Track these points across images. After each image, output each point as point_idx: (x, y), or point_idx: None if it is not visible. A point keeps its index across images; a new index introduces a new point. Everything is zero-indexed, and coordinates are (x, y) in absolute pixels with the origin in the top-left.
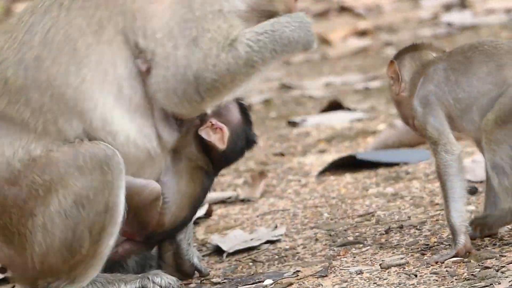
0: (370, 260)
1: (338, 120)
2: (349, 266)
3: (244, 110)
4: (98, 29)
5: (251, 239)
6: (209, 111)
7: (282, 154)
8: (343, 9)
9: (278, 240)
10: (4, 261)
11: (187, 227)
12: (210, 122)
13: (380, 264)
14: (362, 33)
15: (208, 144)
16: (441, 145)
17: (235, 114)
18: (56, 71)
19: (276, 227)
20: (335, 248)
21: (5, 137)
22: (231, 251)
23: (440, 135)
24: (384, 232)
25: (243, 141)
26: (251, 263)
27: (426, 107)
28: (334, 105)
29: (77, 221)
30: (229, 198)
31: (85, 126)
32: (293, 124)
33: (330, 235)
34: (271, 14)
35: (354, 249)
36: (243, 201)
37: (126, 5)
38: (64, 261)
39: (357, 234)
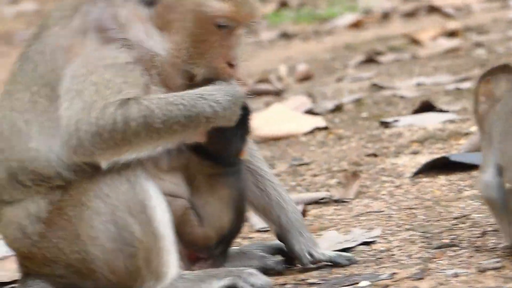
0: (466, 263)
1: (430, 121)
2: (445, 269)
3: None
4: (32, 105)
5: (346, 240)
6: (104, 165)
7: (375, 155)
8: (432, 9)
9: (374, 242)
10: None
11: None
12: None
13: (476, 267)
14: (451, 33)
15: (195, 146)
16: None
17: None
18: (17, 154)
19: (371, 228)
20: (431, 251)
21: (20, 210)
22: (326, 252)
23: None
24: (479, 235)
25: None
26: (346, 264)
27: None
28: (426, 106)
29: (112, 211)
30: (323, 198)
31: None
32: (385, 124)
33: (426, 237)
34: (191, 76)
35: (449, 251)
36: (337, 201)
37: (54, 72)
38: (131, 257)
39: (452, 236)
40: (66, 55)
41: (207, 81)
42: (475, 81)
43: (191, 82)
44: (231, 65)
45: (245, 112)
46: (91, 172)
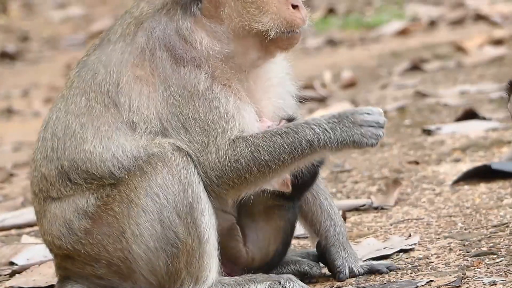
0: (504, 271)
1: (473, 129)
2: (482, 277)
3: None
4: (88, 109)
5: (385, 248)
6: (230, 202)
7: (416, 162)
8: (479, 17)
9: (412, 249)
10: None
11: (337, 233)
12: None
13: None
14: (498, 42)
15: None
16: None
17: None
18: (69, 154)
19: (409, 236)
20: (468, 259)
21: (68, 205)
22: (364, 259)
23: None
24: None
25: (309, 167)
26: (384, 271)
27: None
28: (469, 114)
29: (159, 210)
30: (363, 205)
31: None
32: (427, 132)
33: (464, 245)
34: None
35: (488, 259)
36: (376, 209)
37: (116, 84)
38: (173, 258)
39: (491, 244)
40: (133, 71)
41: (282, 35)
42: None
43: (268, 46)
44: (294, 6)
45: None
46: (143, 171)
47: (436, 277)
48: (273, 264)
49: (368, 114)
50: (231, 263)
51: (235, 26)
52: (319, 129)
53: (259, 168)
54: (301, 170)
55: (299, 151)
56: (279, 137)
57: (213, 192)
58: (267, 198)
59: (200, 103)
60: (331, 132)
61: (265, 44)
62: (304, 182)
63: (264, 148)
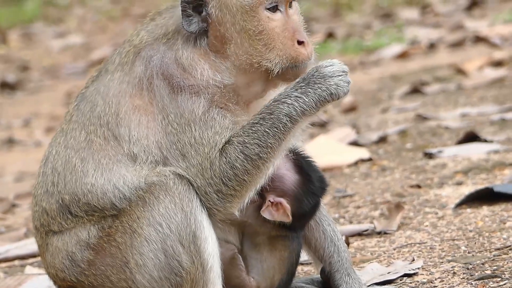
0: None
1: (474, 151)
2: None
3: (300, 162)
4: (88, 143)
5: (388, 272)
6: (237, 214)
7: (418, 186)
8: (479, 39)
9: (415, 274)
10: None
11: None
12: (269, 200)
13: None
14: (498, 63)
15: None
16: None
17: (290, 179)
18: (70, 188)
19: (413, 260)
20: (472, 282)
21: (70, 237)
22: (368, 284)
23: None
24: None
25: (310, 197)
26: None
27: None
28: (471, 137)
29: (162, 240)
30: (366, 230)
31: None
32: (429, 155)
33: (468, 268)
34: (269, 71)
35: (492, 282)
36: (379, 233)
37: (115, 115)
38: (177, 287)
39: (494, 267)
40: (131, 101)
41: (287, 69)
42: None
43: (272, 79)
44: (300, 42)
45: (323, 187)
46: (145, 201)
47: None
48: None
49: (331, 65)
50: None
51: (240, 62)
52: (290, 99)
53: (253, 164)
54: (303, 200)
55: (282, 128)
56: (258, 125)
57: (219, 212)
58: (271, 229)
59: (197, 127)
60: (303, 96)
61: (270, 78)
62: (304, 212)
63: (251, 142)
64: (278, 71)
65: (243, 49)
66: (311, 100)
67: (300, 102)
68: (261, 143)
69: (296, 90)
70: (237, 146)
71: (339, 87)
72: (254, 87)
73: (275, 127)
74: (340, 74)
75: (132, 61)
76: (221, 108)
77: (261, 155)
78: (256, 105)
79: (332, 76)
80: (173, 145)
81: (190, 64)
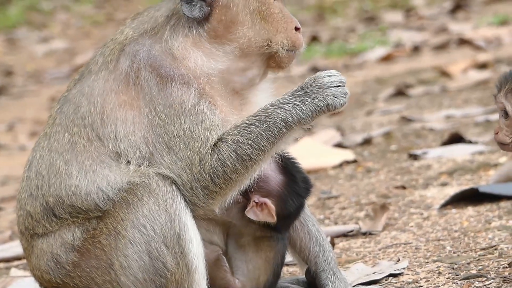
0: None
1: (459, 153)
2: None
3: (285, 163)
4: (71, 145)
5: (374, 273)
6: (217, 211)
7: (403, 187)
8: (463, 42)
9: (401, 274)
10: None
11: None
12: (253, 201)
13: None
14: (482, 66)
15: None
16: None
17: (274, 180)
18: (54, 190)
19: (398, 260)
20: (458, 282)
21: (54, 239)
22: (353, 284)
23: None
24: (507, 266)
25: (295, 198)
26: None
27: None
28: (455, 138)
29: (147, 241)
30: (351, 231)
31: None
32: (414, 156)
33: (453, 268)
34: (272, 54)
35: (477, 282)
36: (365, 234)
37: (101, 114)
38: None
39: (480, 267)
40: (117, 97)
41: (287, 53)
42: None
43: (269, 65)
44: (297, 29)
45: (307, 188)
46: (129, 202)
47: None
48: None
49: (330, 76)
50: None
51: (248, 44)
52: (287, 105)
53: (242, 164)
54: (287, 201)
55: (276, 133)
56: (254, 126)
57: (200, 209)
58: (255, 230)
59: (187, 119)
60: (301, 104)
61: (269, 62)
62: (289, 213)
63: (244, 142)
64: (282, 54)
65: (255, 31)
66: (308, 109)
67: (297, 109)
68: (254, 145)
69: (294, 97)
70: (230, 144)
71: (335, 98)
72: (250, 72)
73: (270, 130)
74: (338, 85)
75: (116, 58)
76: (209, 102)
77: (252, 156)
78: (243, 102)
79: (330, 87)
80: (159, 137)
81: (182, 54)
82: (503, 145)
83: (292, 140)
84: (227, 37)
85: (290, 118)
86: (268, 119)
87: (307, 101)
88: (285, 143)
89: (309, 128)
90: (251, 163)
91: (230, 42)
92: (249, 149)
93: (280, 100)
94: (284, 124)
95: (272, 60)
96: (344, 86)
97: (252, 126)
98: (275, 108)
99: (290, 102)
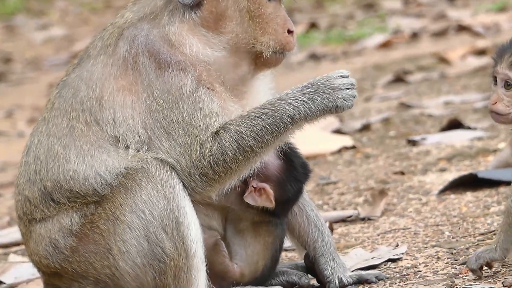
0: (492, 278)
1: (458, 138)
2: (471, 285)
3: (283, 148)
4: (70, 130)
5: (372, 258)
6: (214, 197)
7: (402, 173)
8: (462, 28)
9: (400, 259)
10: None
11: (326, 243)
12: (252, 186)
13: (502, 282)
14: (481, 52)
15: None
16: None
17: (273, 165)
18: (52, 175)
19: (397, 245)
20: (457, 267)
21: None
22: (352, 269)
23: None
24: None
25: (293, 183)
26: (373, 281)
27: None
28: (454, 124)
29: (145, 226)
30: (350, 216)
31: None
32: (412, 142)
33: (452, 253)
34: (257, 54)
35: None
36: (363, 219)
37: (100, 98)
38: (160, 273)
39: None
40: (116, 82)
41: (274, 55)
42: None
43: (257, 64)
44: (290, 32)
45: (306, 173)
46: (128, 187)
47: (424, 285)
48: (262, 280)
49: (342, 77)
50: (219, 279)
51: (237, 40)
52: (296, 102)
53: (244, 155)
54: (286, 186)
55: (281, 128)
56: (259, 119)
57: (197, 194)
58: (254, 215)
59: (185, 106)
60: (310, 102)
61: (256, 61)
62: (288, 198)
63: (247, 134)
64: (267, 55)
65: (242, 28)
66: (317, 108)
67: (306, 107)
68: (258, 137)
69: (304, 94)
70: (233, 134)
71: (345, 101)
72: (240, 69)
73: (275, 125)
74: (348, 87)
75: (115, 42)
76: (208, 88)
77: (254, 148)
78: (241, 90)
79: (341, 89)
80: (158, 123)
81: (178, 40)
82: (498, 116)
83: (295, 134)
84: (218, 29)
85: (297, 115)
86: (275, 114)
87: (316, 99)
88: (288, 137)
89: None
90: (253, 154)
91: (222, 35)
92: (252, 141)
93: (288, 95)
94: (290, 120)
95: (258, 60)
96: (354, 88)
97: (258, 118)
98: (283, 103)
99: (299, 99)
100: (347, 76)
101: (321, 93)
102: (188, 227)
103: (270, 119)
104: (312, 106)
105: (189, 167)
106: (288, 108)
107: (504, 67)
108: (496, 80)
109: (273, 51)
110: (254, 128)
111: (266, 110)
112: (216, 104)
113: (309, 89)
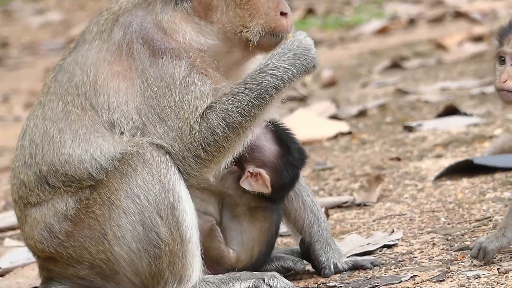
0: (488, 265)
1: (454, 125)
2: (466, 271)
3: (280, 134)
4: (65, 114)
5: (368, 244)
6: (211, 179)
7: (398, 159)
8: (459, 14)
9: (395, 245)
10: None
11: (321, 229)
12: (248, 171)
13: (497, 269)
14: (478, 38)
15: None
16: None
17: (269, 150)
18: (47, 159)
19: (393, 231)
20: (452, 253)
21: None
22: (347, 255)
23: None
24: None
25: (290, 169)
26: (368, 267)
27: None
28: (450, 110)
29: (140, 212)
30: (345, 202)
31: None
32: (409, 128)
33: (447, 239)
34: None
35: None
36: (359, 205)
37: (94, 83)
38: (155, 258)
39: (474, 238)
40: (110, 67)
41: (264, 38)
42: None
43: (251, 49)
44: (283, 13)
45: (302, 158)
46: (123, 172)
47: (420, 271)
48: (257, 265)
49: (306, 37)
50: (215, 264)
51: (224, 30)
52: (279, 71)
53: (234, 132)
54: (282, 171)
55: (267, 99)
56: (244, 94)
57: (194, 178)
58: (250, 200)
59: (177, 91)
60: (291, 68)
61: (249, 47)
62: (284, 183)
63: (234, 110)
64: (255, 41)
65: (228, 18)
66: (299, 71)
67: (289, 73)
68: (245, 113)
69: (284, 61)
70: (219, 113)
71: (316, 59)
72: (233, 55)
73: (261, 98)
74: (313, 46)
75: (110, 28)
76: (201, 73)
77: (243, 123)
78: (235, 74)
79: (311, 48)
80: (152, 109)
81: (171, 27)
82: (510, 93)
83: (280, 101)
84: (208, 19)
85: (281, 84)
86: (259, 87)
87: (297, 64)
88: (275, 107)
89: (300, 95)
90: (242, 129)
91: (213, 24)
92: (240, 117)
93: (269, 66)
94: (275, 91)
95: (250, 45)
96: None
97: (242, 94)
98: (266, 76)
99: (281, 67)
100: (307, 35)
101: (299, 56)
102: (183, 212)
103: (254, 93)
104: (294, 70)
105: (182, 151)
106: (272, 80)
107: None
108: (502, 60)
109: (260, 35)
110: (240, 103)
111: (249, 85)
112: (209, 86)
113: (288, 55)
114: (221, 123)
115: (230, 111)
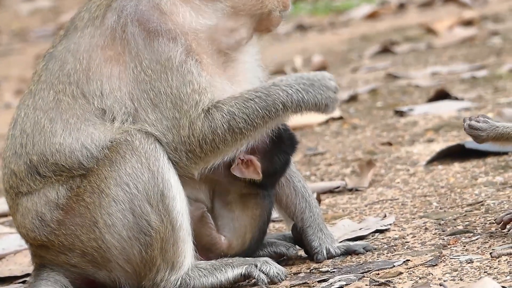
0: (480, 249)
1: (445, 109)
2: (459, 255)
3: None
4: (56, 103)
5: (360, 229)
6: (196, 175)
7: (389, 144)
8: None
9: (387, 230)
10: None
11: (313, 214)
12: (239, 158)
13: (490, 253)
14: (468, 23)
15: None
16: None
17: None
18: (38, 149)
19: (385, 216)
20: (444, 237)
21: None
22: (340, 240)
23: None
24: (494, 221)
25: (280, 155)
26: (360, 252)
27: None
28: (441, 95)
29: (130, 200)
30: (337, 187)
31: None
32: (400, 113)
33: (440, 224)
34: (263, 15)
35: (463, 238)
36: (351, 190)
37: (87, 70)
38: (146, 246)
39: (466, 223)
40: (103, 53)
41: (279, 13)
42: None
43: (263, 24)
44: None
45: (293, 144)
46: (112, 160)
47: (412, 256)
48: (250, 252)
49: (332, 80)
50: (207, 251)
51: (242, 2)
52: (291, 90)
53: (233, 136)
54: (273, 158)
55: (273, 114)
56: (253, 102)
57: (180, 169)
58: (241, 187)
59: (174, 77)
60: (303, 93)
61: (260, 23)
62: (275, 170)
63: (239, 116)
64: (275, 15)
65: None
66: (309, 100)
67: (299, 96)
68: (249, 120)
69: (299, 84)
70: (225, 114)
71: (332, 103)
72: (237, 33)
73: (267, 109)
74: (336, 91)
75: (103, 14)
76: (196, 60)
77: (243, 130)
78: (228, 60)
79: (332, 91)
80: (145, 93)
81: (170, 9)
82: None
83: (280, 123)
84: None
85: (289, 102)
86: (268, 98)
87: (310, 92)
88: (274, 125)
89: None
90: (241, 136)
91: (218, 2)
92: (243, 123)
93: (283, 82)
94: (282, 107)
95: (261, 22)
96: (337, 93)
97: (251, 101)
98: (277, 89)
99: (294, 87)
100: (335, 81)
101: (316, 88)
102: (173, 199)
103: (262, 103)
104: (305, 97)
105: (176, 143)
106: (282, 94)
107: None
108: None
109: (278, 11)
110: (246, 110)
111: (259, 93)
112: (204, 78)
113: (304, 81)
114: (224, 125)
115: (236, 115)
